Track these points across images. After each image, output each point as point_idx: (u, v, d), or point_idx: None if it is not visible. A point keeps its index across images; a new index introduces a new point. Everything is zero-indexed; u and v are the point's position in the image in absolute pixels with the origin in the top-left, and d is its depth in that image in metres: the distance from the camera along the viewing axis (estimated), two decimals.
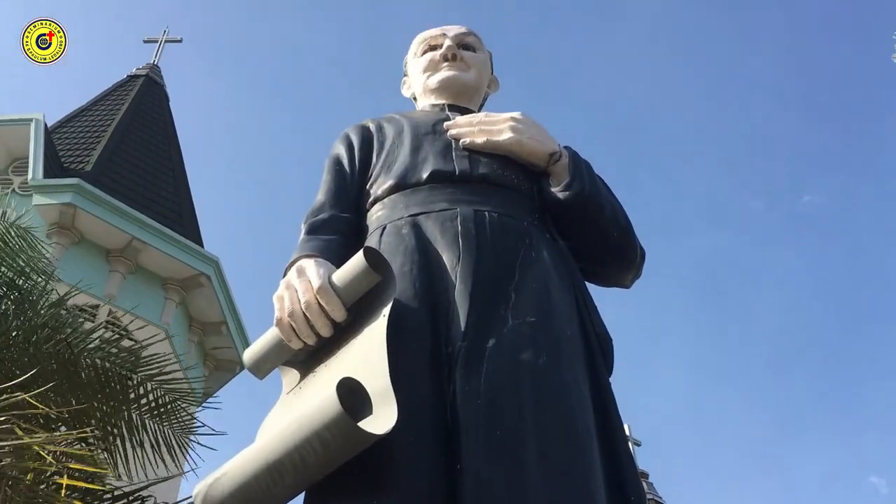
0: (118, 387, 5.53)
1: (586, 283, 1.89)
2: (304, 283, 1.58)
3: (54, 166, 11.95)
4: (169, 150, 14.98)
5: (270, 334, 1.63)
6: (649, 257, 2.02)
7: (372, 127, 2.11)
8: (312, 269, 1.60)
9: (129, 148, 14.00)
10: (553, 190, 1.87)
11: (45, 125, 12.20)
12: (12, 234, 5.99)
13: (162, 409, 5.69)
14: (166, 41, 17.97)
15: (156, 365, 5.73)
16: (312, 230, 1.83)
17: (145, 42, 18.19)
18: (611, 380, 1.72)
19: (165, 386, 5.73)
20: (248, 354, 1.66)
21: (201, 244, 13.32)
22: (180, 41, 18.24)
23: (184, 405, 5.81)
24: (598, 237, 1.89)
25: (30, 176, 11.17)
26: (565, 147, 1.97)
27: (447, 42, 2.27)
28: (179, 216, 13.38)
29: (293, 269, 1.66)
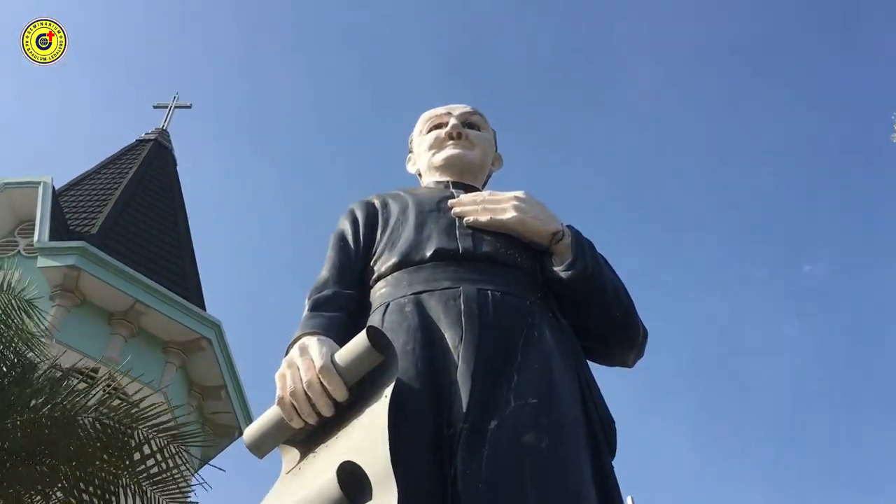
0: (117, 445, 5.50)
1: (589, 361, 1.89)
2: (306, 361, 1.58)
3: (60, 229, 12.03)
4: (175, 213, 15.11)
5: (271, 413, 1.62)
6: (650, 326, 2.03)
7: (377, 203, 2.14)
8: (315, 348, 1.60)
9: (136, 211, 14.12)
10: (556, 269, 1.88)
11: (53, 188, 12.33)
12: (14, 305, 6.02)
13: (159, 477, 5.64)
14: (176, 107, 18.30)
15: (152, 416, 5.70)
16: (316, 306, 1.84)
17: (155, 108, 18.52)
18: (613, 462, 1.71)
19: (163, 434, 5.67)
20: (249, 433, 1.65)
21: (204, 307, 13.33)
22: (190, 107, 18.58)
23: (181, 470, 5.76)
24: (600, 316, 1.90)
25: (35, 238, 11.25)
26: (568, 226, 1.99)
27: (452, 121, 2.32)
28: (183, 279, 13.42)
29: (296, 346, 1.66)
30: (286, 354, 1.69)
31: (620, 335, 1.93)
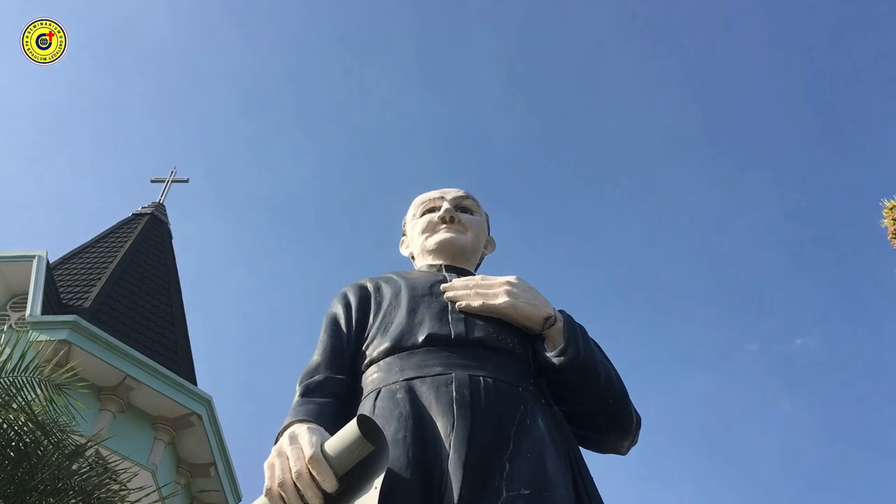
0: None
1: (582, 449, 1.87)
2: (296, 451, 1.56)
3: (53, 303, 11.99)
4: (168, 287, 15.09)
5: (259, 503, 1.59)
6: (644, 404, 2.02)
7: (370, 287, 2.14)
8: (305, 437, 1.59)
9: (130, 284, 14.10)
10: (548, 354, 1.87)
11: (48, 262, 12.33)
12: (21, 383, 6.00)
13: None
14: (173, 181, 18.46)
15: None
16: (307, 392, 1.83)
17: (153, 182, 18.68)
18: None
19: None
20: None
21: (195, 382, 13.19)
22: (187, 181, 18.72)
23: None
24: (593, 403, 1.88)
25: (27, 312, 11.19)
26: (560, 311, 1.99)
27: (445, 205, 2.35)
28: (174, 353, 13.32)
29: (286, 434, 1.64)
30: (276, 442, 1.67)
31: (613, 423, 1.91)
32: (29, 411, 5.93)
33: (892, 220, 8.13)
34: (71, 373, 6.90)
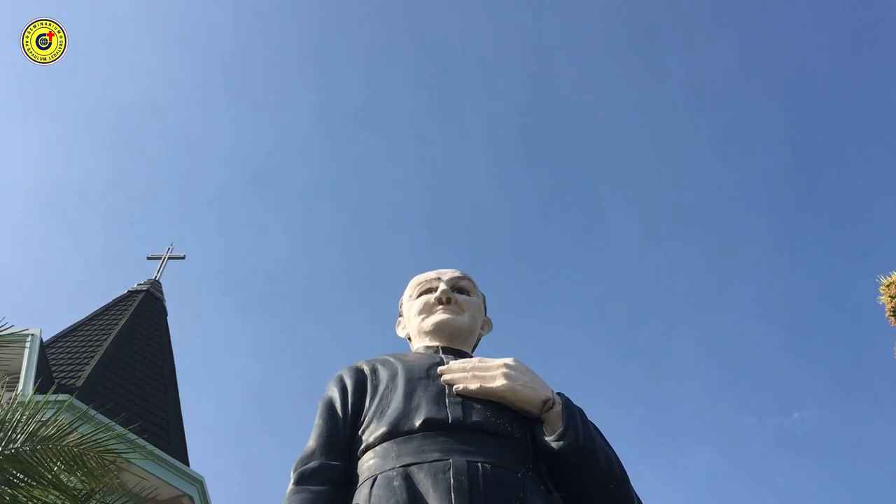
0: None
1: None
2: None
3: (46, 382, 11.85)
4: (162, 364, 14.96)
5: None
6: (642, 482, 1.98)
7: (366, 369, 2.12)
8: None
9: (123, 363, 13.98)
10: (547, 439, 1.85)
11: (41, 340, 12.24)
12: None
13: None
14: (170, 258, 18.47)
15: None
16: (301, 479, 1.79)
17: (149, 259, 18.69)
18: None
19: None
20: None
21: (187, 461, 12.95)
22: (183, 258, 18.74)
23: None
24: (593, 488, 1.85)
25: (19, 391, 11.05)
26: (558, 393, 1.97)
27: (442, 286, 2.35)
28: (167, 432, 13.11)
29: None
30: None
31: None
32: (62, 485, 5.77)
33: (889, 296, 8.15)
34: (83, 445, 6.74)
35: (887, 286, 8.26)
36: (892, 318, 8.15)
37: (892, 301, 8.16)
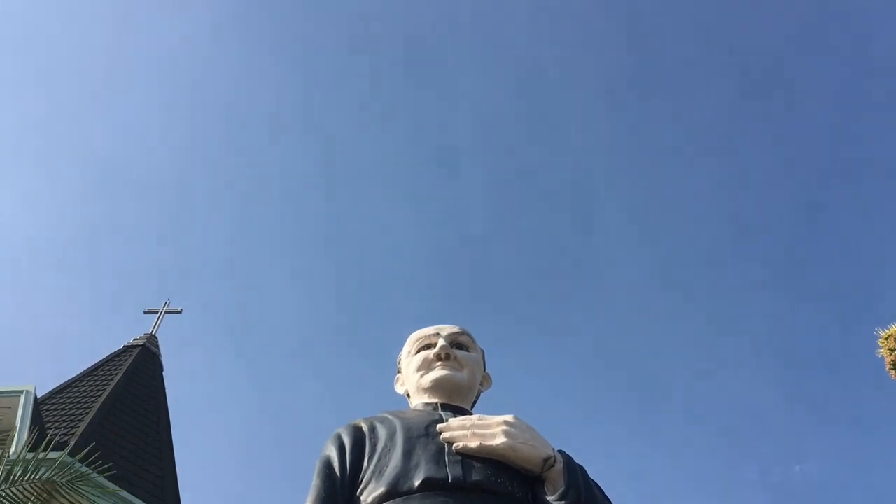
0: None
1: None
2: None
3: (39, 439, 11.70)
4: (158, 420, 14.80)
5: None
6: None
7: (364, 427, 2.10)
8: None
9: (118, 420, 13.83)
10: (548, 498, 1.82)
11: (35, 397, 12.13)
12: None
13: None
14: (167, 312, 18.40)
15: None
16: None
17: (146, 313, 18.61)
18: None
19: None
20: None
21: None
22: (180, 312, 18.66)
23: None
24: None
25: (12, 450, 10.90)
26: (559, 451, 1.95)
27: (441, 342, 2.34)
28: (161, 490, 12.90)
29: None
30: None
31: None
32: None
33: (888, 349, 8.12)
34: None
35: (886, 339, 8.24)
36: (893, 371, 8.11)
37: (891, 354, 8.14)
